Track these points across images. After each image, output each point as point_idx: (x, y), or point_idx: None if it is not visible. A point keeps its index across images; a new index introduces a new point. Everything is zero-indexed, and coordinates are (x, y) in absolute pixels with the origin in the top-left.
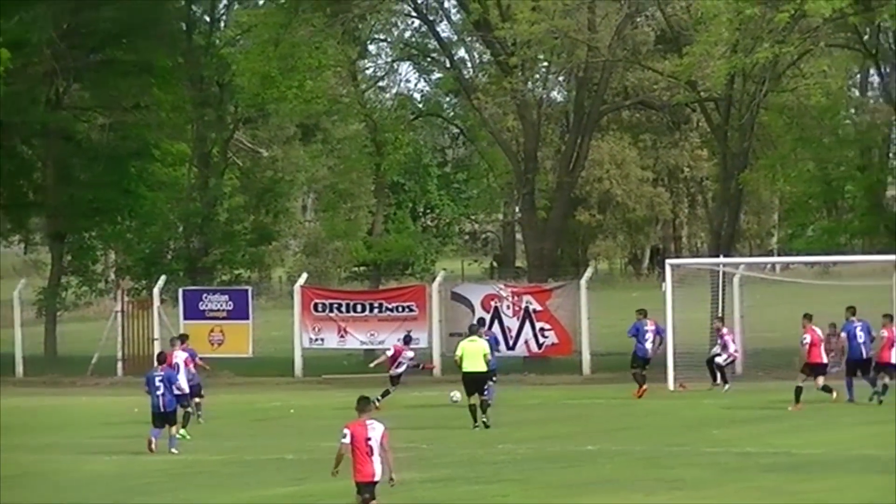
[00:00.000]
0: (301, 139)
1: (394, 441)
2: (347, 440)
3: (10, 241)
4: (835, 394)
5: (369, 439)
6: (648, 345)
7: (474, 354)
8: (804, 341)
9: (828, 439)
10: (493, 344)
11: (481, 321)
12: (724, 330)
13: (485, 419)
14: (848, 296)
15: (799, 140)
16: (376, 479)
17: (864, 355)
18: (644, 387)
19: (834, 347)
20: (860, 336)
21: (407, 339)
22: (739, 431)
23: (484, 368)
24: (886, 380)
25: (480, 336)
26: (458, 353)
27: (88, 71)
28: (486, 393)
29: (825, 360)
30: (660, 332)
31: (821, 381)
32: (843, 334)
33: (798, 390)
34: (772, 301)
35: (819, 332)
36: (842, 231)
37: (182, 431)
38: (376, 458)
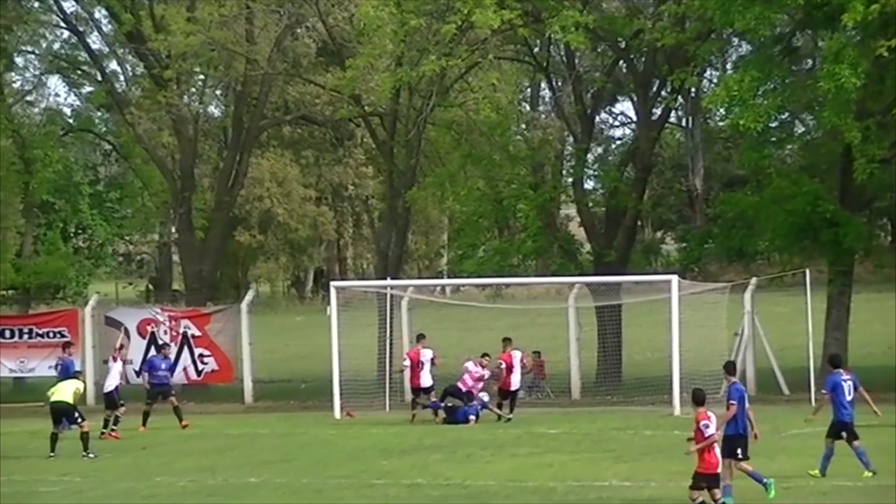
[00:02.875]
0: None
1: (47, 473)
2: None
3: None
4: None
5: None
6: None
7: (63, 389)
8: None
9: (501, 470)
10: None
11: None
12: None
13: (86, 454)
14: (523, 318)
15: (468, 157)
16: None
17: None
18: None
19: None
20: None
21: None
22: (409, 461)
23: (70, 400)
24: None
25: (79, 378)
26: (54, 388)
27: None
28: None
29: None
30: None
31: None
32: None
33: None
34: (442, 325)
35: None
36: (514, 252)
37: None
38: None
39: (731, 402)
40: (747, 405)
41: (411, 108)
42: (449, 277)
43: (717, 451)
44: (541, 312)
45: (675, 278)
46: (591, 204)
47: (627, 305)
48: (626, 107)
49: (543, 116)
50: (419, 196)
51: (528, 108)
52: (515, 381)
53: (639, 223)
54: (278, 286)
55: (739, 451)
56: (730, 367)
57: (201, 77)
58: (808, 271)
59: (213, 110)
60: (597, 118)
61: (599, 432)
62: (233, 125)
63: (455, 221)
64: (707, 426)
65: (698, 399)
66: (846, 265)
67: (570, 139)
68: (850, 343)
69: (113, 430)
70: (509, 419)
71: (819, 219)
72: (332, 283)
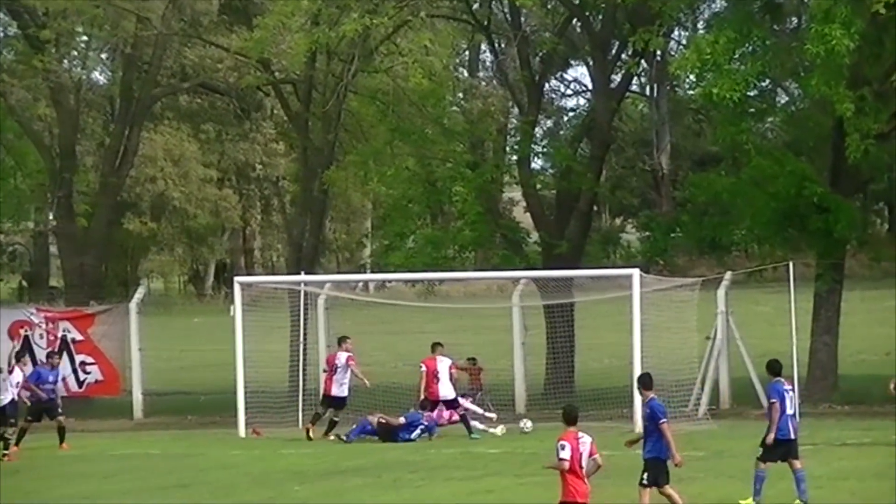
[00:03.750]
0: None
1: None
2: None
3: None
4: None
5: None
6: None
7: None
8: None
9: (433, 497)
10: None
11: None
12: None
13: None
14: (460, 320)
15: (396, 131)
16: None
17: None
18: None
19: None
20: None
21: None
22: (326, 487)
23: None
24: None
25: None
26: None
27: None
28: None
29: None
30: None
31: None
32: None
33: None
34: (365, 328)
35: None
36: (449, 242)
37: None
38: None
39: (663, 421)
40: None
41: (329, 74)
42: (373, 272)
43: (586, 478)
44: (480, 313)
45: (636, 273)
46: (539, 186)
47: (582, 304)
48: (580, 73)
49: (484, 84)
50: (338, 177)
51: (466, 74)
52: (444, 390)
53: (595, 209)
54: (173, 282)
55: (648, 476)
56: (646, 381)
57: (84, 38)
58: (792, 265)
59: (98, 77)
60: (546, 86)
61: (549, 452)
62: (121, 94)
63: (380, 206)
64: (563, 447)
65: (569, 417)
66: (837, 258)
67: (515, 110)
68: (842, 348)
69: (5, 453)
70: (494, 431)
71: (806, 203)
72: (237, 279)
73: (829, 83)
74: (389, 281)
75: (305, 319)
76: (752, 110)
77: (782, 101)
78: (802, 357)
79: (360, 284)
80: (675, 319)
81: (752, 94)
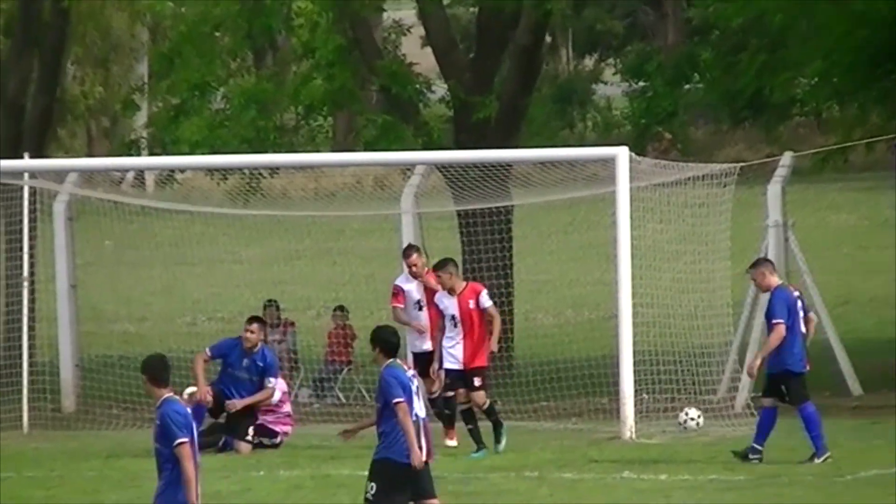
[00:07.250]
0: None
1: None
2: None
3: None
4: None
5: None
6: None
7: None
8: None
9: None
10: None
11: None
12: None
13: None
14: (303, 241)
15: None
16: None
17: None
18: None
19: None
20: None
21: None
22: None
23: None
24: None
25: None
26: None
27: None
28: None
29: None
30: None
31: None
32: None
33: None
34: (136, 253)
35: None
36: (287, 100)
37: None
38: None
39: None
40: None
41: None
42: (152, 153)
43: None
44: (344, 226)
45: (623, 153)
46: None
47: (524, 211)
48: None
49: None
50: None
51: None
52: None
53: (548, 39)
54: None
55: None
56: (157, 371)
57: None
58: None
59: None
60: None
61: (466, 476)
62: None
63: (163, 37)
64: None
65: None
66: None
67: None
68: None
69: None
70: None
71: None
72: None
73: None
74: (181, 170)
75: (32, 237)
76: None
77: None
78: None
79: (130, 176)
80: (693, 237)
81: None
